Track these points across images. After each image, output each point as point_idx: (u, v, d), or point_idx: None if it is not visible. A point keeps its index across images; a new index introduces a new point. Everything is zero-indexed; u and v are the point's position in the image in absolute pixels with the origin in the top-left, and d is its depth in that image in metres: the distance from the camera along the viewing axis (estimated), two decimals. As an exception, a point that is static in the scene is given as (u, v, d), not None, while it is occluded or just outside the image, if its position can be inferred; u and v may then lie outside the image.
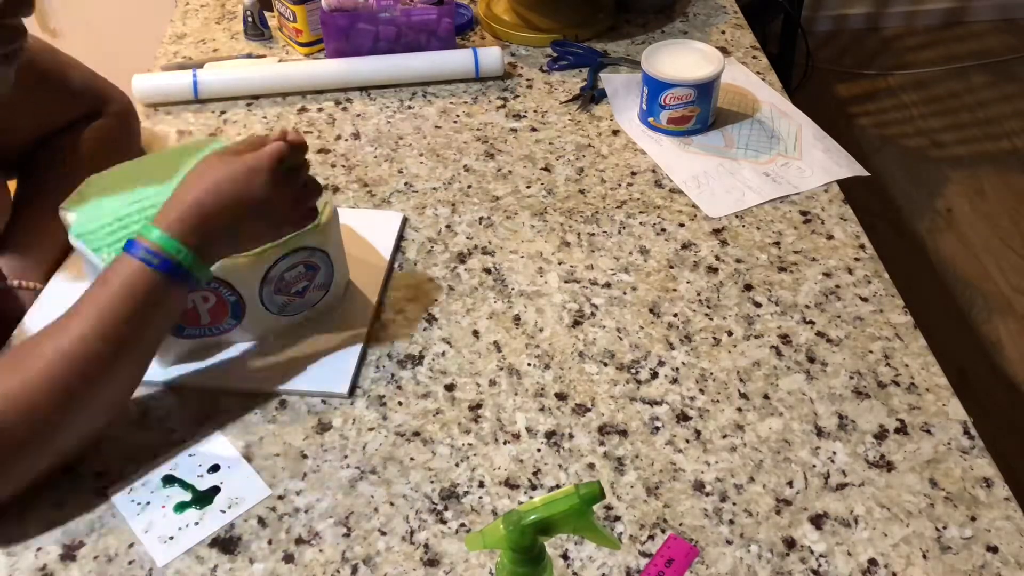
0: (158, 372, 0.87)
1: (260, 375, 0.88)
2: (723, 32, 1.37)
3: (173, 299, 0.77)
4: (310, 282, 0.89)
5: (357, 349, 0.90)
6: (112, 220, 0.83)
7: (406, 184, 1.11)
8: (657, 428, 0.83)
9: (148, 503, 0.78)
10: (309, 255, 0.87)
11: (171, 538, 0.75)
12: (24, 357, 0.72)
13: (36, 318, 0.93)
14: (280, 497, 0.78)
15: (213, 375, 0.88)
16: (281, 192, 0.79)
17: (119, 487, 0.79)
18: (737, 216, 1.05)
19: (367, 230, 1.03)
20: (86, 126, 1.05)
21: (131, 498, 0.78)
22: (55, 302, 0.93)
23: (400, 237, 1.03)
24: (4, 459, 0.72)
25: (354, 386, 0.87)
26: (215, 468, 0.80)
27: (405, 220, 1.05)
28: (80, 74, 1.07)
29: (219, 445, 0.82)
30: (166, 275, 0.75)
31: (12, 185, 1.04)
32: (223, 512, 0.77)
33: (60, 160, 1.02)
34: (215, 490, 0.79)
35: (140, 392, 0.86)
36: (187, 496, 0.78)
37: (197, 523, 0.76)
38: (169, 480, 0.79)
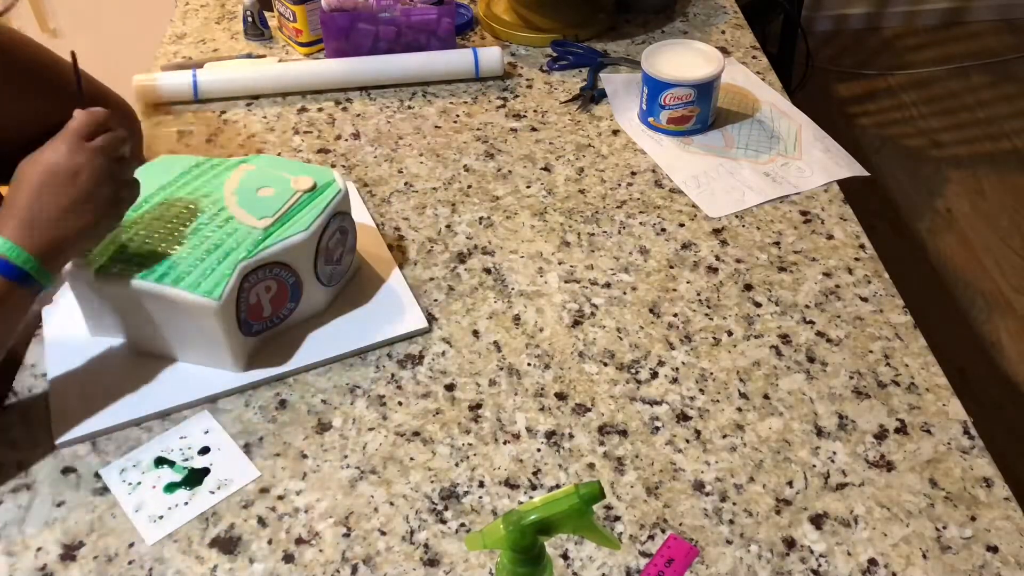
0: (239, 377, 0.87)
1: (336, 344, 0.90)
2: (723, 32, 1.37)
3: (17, 306, 0.76)
4: (343, 247, 0.93)
5: (405, 287, 0.96)
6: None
7: (406, 184, 1.11)
8: (657, 428, 0.83)
9: (139, 483, 0.79)
10: (342, 220, 0.92)
11: (160, 517, 0.77)
12: None
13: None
14: (280, 497, 0.78)
15: (291, 361, 0.89)
16: (93, 162, 0.77)
17: (111, 467, 0.80)
18: (737, 216, 1.05)
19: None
20: None
21: (123, 478, 0.80)
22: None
23: (364, 203, 1.07)
24: None
25: (430, 318, 0.93)
26: (205, 450, 0.82)
27: (349, 187, 1.07)
28: (84, 79, 1.06)
29: (210, 428, 0.84)
30: (9, 280, 0.74)
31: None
32: (212, 493, 0.79)
33: None
34: (205, 471, 0.80)
35: (146, 377, 0.86)
36: (177, 477, 0.79)
37: (187, 503, 0.78)
38: (160, 461, 0.81)
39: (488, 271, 0.99)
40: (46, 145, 0.77)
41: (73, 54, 0.79)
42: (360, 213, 1.06)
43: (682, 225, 1.04)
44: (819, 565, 0.73)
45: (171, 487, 0.79)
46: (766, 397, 0.85)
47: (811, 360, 0.89)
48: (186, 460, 0.81)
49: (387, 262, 0.99)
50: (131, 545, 0.75)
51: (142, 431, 0.84)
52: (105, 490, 0.79)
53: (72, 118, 0.78)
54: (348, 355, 0.90)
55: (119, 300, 0.85)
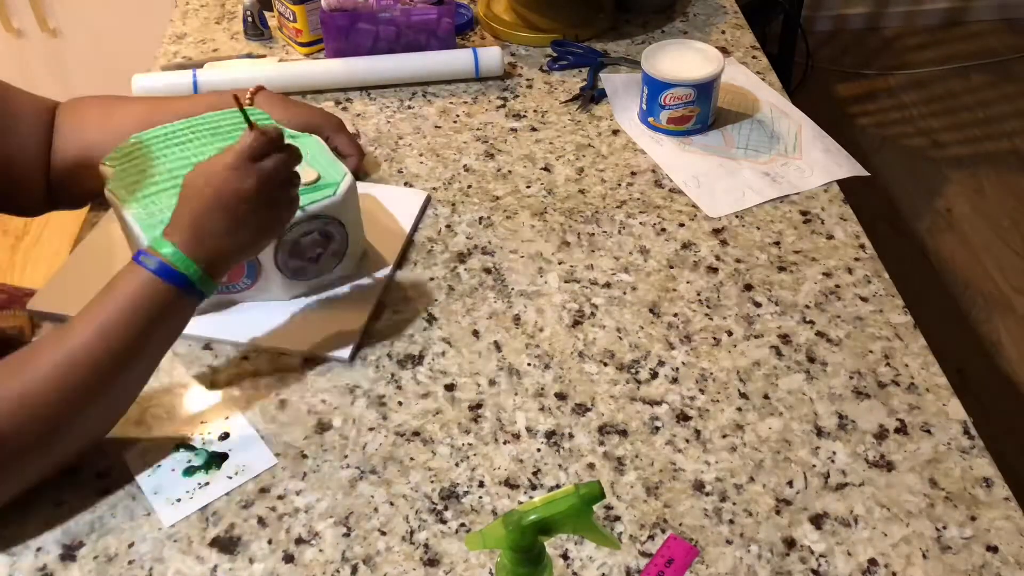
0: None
1: (271, 334, 0.91)
2: (723, 32, 1.37)
3: (180, 313, 0.78)
4: (324, 249, 0.93)
5: (364, 318, 0.93)
6: (149, 193, 0.88)
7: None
8: (657, 428, 0.83)
9: (159, 466, 0.81)
10: (325, 223, 0.91)
11: (178, 500, 0.78)
12: (30, 360, 0.73)
13: (56, 289, 0.95)
14: (280, 497, 0.78)
15: (226, 329, 0.92)
16: (261, 185, 0.78)
17: (132, 450, 0.81)
18: (737, 216, 1.05)
19: (391, 204, 1.06)
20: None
21: (144, 461, 0.81)
22: (81, 270, 0.97)
23: (422, 213, 1.06)
24: (9, 461, 0.72)
25: (355, 354, 0.90)
26: (225, 436, 0.83)
27: (428, 199, 1.08)
28: (18, 95, 0.98)
29: (230, 414, 0.85)
30: (177, 289, 0.76)
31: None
32: (230, 478, 0.80)
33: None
34: (224, 456, 0.81)
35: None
36: (197, 461, 0.80)
37: (206, 484, 0.79)
38: (180, 446, 0.82)
39: (488, 271, 0.99)
40: (216, 159, 0.78)
41: (236, 97, 0.80)
42: (405, 215, 1.05)
43: (682, 225, 1.04)
44: (819, 565, 0.73)
45: (190, 471, 0.80)
46: (766, 397, 0.85)
47: (811, 360, 0.89)
48: (205, 445, 0.82)
49: (377, 280, 0.97)
50: (131, 545, 0.75)
51: (181, 410, 0.84)
52: (105, 491, 0.79)
53: (245, 136, 0.78)
54: (269, 350, 0.91)
55: (121, 223, 0.90)
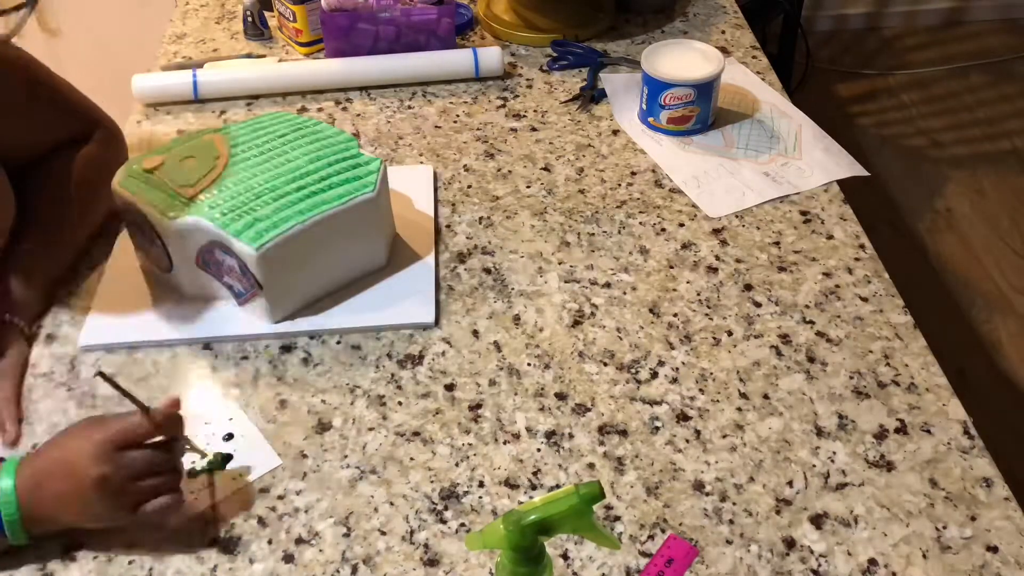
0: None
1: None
2: (723, 32, 1.37)
3: None
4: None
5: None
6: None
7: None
8: (657, 428, 0.83)
9: None
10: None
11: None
12: None
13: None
14: (280, 497, 0.78)
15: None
16: (113, 474, 0.71)
17: None
18: (737, 216, 1.05)
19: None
20: (75, 151, 1.02)
21: None
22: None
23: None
24: None
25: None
26: (229, 437, 0.83)
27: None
28: (71, 94, 1.04)
29: (234, 416, 0.85)
30: None
31: None
32: (234, 480, 0.80)
33: (47, 184, 0.98)
34: (228, 457, 0.81)
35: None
36: (202, 463, 0.80)
37: (211, 484, 0.79)
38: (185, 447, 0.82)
39: (488, 271, 0.99)
40: (92, 430, 0.72)
41: (102, 374, 0.73)
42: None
43: (682, 225, 1.04)
44: (819, 565, 0.73)
45: (195, 471, 0.80)
46: (766, 397, 0.85)
47: (811, 360, 0.89)
48: (208, 446, 0.82)
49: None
50: (131, 545, 0.75)
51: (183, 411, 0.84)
52: (105, 490, 0.79)
53: (119, 424, 0.72)
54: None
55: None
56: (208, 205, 0.88)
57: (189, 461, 0.79)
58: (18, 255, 0.94)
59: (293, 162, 0.93)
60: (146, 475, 0.72)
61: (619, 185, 1.10)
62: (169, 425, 0.74)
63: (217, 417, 0.85)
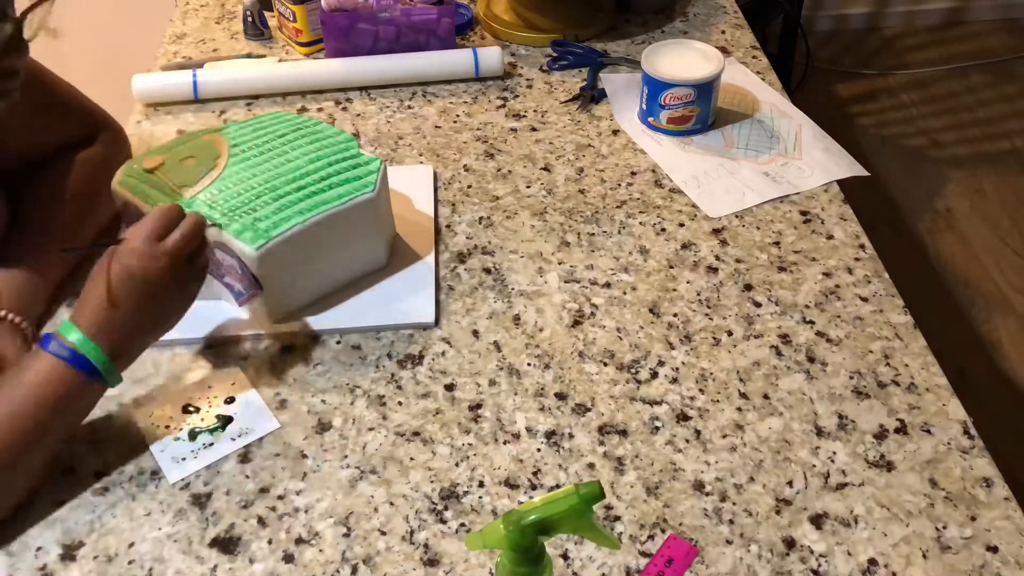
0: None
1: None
2: (723, 32, 1.37)
3: (87, 400, 0.79)
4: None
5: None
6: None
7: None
8: (657, 428, 0.83)
9: (167, 427, 0.83)
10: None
11: (183, 459, 0.81)
12: None
13: None
14: (280, 497, 0.78)
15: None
16: (171, 264, 0.78)
17: (141, 412, 0.84)
18: (737, 216, 1.05)
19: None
20: (77, 152, 1.02)
21: (151, 422, 0.84)
22: None
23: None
24: None
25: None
26: (230, 400, 0.86)
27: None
28: (76, 97, 1.04)
29: (236, 380, 0.88)
30: (85, 377, 0.76)
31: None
32: (233, 440, 0.82)
33: (50, 186, 0.99)
34: (228, 419, 0.83)
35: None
36: (202, 424, 0.83)
37: (211, 445, 0.82)
38: (186, 408, 0.85)
39: (488, 271, 0.99)
40: (126, 242, 0.78)
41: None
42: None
43: (682, 225, 1.04)
44: (819, 565, 0.73)
45: (194, 434, 0.82)
46: (766, 397, 0.85)
47: (811, 360, 0.89)
48: (210, 408, 0.84)
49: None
50: (131, 545, 0.75)
51: (184, 378, 0.87)
52: (105, 490, 0.79)
53: (147, 218, 0.79)
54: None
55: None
56: (208, 205, 0.88)
57: (190, 423, 0.83)
58: (20, 255, 0.94)
59: (293, 162, 0.93)
60: (193, 248, 0.80)
61: (619, 185, 1.10)
62: (180, 210, 0.81)
63: (219, 382, 0.87)
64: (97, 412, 0.83)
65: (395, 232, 1.01)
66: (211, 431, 0.83)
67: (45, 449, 0.77)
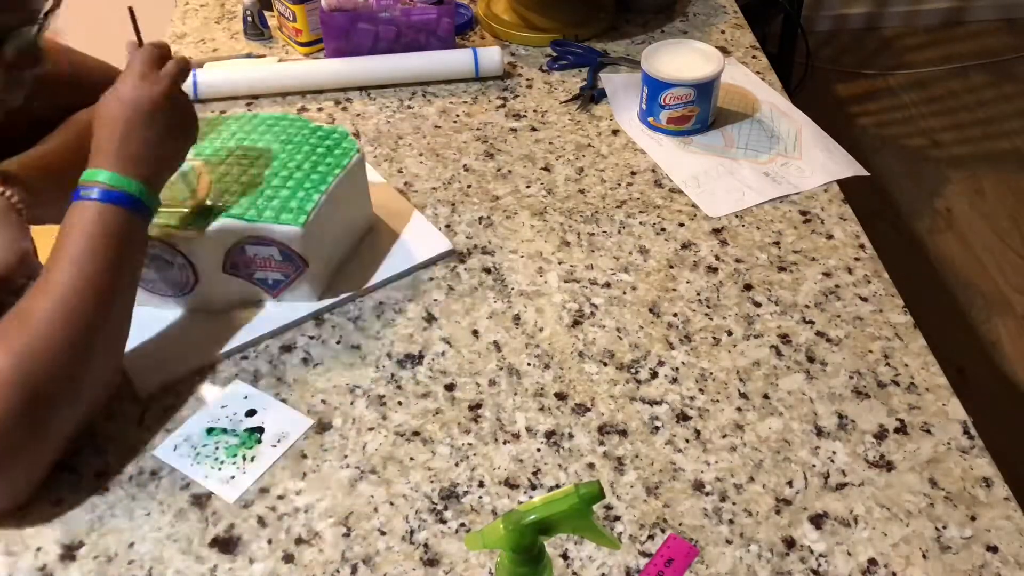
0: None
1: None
2: (723, 32, 1.37)
3: (138, 233, 0.81)
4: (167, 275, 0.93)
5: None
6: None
7: (406, 184, 1.11)
8: (657, 428, 0.83)
9: (198, 453, 0.82)
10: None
11: (232, 478, 0.79)
12: (25, 319, 0.74)
13: None
14: (280, 497, 0.78)
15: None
16: (171, 87, 0.83)
17: (164, 447, 0.82)
18: (737, 216, 1.05)
19: (410, 234, 1.04)
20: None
21: (178, 453, 0.82)
22: None
23: (432, 260, 1.00)
24: (43, 417, 0.73)
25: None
26: (251, 412, 0.85)
27: (450, 251, 1.01)
28: (101, 64, 1.09)
29: (248, 393, 0.87)
30: (127, 210, 0.78)
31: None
32: (274, 447, 0.82)
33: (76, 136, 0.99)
34: (260, 430, 0.83)
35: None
36: (235, 440, 0.82)
37: (253, 459, 0.81)
38: (212, 431, 0.83)
39: (488, 271, 0.99)
40: (119, 81, 0.81)
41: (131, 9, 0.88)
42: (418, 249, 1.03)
43: (682, 225, 1.04)
44: (819, 565, 0.73)
45: (232, 449, 0.81)
46: (766, 397, 0.85)
47: (811, 360, 0.89)
48: (236, 425, 0.83)
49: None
50: (131, 545, 0.75)
51: (185, 408, 0.85)
52: (105, 491, 0.79)
53: (137, 52, 0.84)
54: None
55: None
56: (228, 206, 0.89)
57: (224, 443, 0.82)
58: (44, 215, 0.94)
59: (268, 152, 0.96)
60: (183, 79, 0.84)
61: (619, 185, 1.10)
62: (166, 46, 0.86)
63: (232, 400, 0.86)
64: (101, 413, 0.83)
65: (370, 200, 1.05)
66: (248, 446, 0.82)
67: (124, 289, 0.79)
